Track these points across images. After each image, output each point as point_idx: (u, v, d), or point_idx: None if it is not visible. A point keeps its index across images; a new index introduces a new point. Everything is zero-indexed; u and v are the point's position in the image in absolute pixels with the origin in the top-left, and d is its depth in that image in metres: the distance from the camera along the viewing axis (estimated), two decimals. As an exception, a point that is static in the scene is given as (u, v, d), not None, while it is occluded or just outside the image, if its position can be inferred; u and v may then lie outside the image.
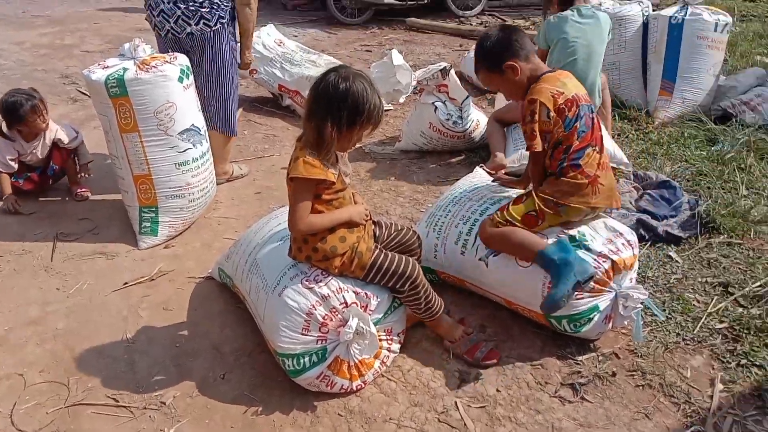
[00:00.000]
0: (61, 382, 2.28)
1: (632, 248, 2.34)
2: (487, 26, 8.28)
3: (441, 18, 8.69)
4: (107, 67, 2.98)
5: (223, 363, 2.38)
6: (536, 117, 2.25)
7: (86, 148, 3.77)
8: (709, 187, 3.42)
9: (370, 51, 7.21)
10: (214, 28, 3.36)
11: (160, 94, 2.95)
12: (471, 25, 8.49)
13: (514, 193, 2.58)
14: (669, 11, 4.52)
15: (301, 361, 2.14)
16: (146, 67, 2.93)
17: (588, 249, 2.26)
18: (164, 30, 3.37)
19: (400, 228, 2.38)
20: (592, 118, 2.35)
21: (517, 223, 2.33)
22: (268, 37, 5.08)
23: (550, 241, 2.28)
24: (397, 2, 8.43)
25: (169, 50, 3.34)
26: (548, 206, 2.31)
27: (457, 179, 3.64)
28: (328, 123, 1.96)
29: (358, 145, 4.16)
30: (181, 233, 3.27)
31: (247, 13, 3.45)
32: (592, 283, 2.22)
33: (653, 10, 4.78)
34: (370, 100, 1.97)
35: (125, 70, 2.91)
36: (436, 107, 3.80)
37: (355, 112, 1.97)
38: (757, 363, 2.24)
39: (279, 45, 5.08)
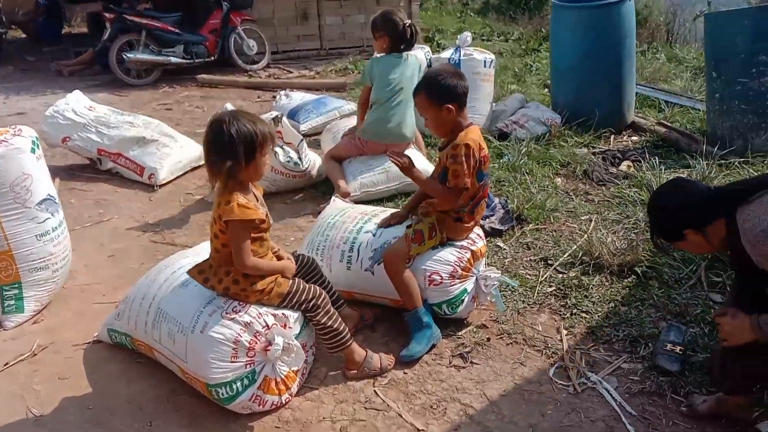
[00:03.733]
0: (-23, 471, 2.18)
1: (482, 239, 2.93)
2: (278, 77, 8.79)
3: (230, 72, 8.94)
4: (-51, 146, 2.85)
5: (144, 413, 2.44)
6: (471, 160, 2.60)
7: None
8: (510, 190, 4.21)
9: (171, 109, 7.25)
10: None
11: (15, 167, 2.90)
12: (261, 78, 8.89)
13: (380, 213, 3.02)
14: (447, 54, 5.42)
15: (234, 386, 2.33)
16: (-5, 141, 2.87)
17: (452, 244, 2.79)
18: None
19: (296, 256, 2.68)
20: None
21: (422, 252, 2.71)
22: (78, 103, 4.98)
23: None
24: (185, 61, 8.55)
25: None
26: (441, 242, 2.76)
27: (308, 213, 4.06)
28: (232, 163, 2.21)
29: (207, 199, 4.36)
30: (45, 306, 3.17)
31: None
32: (460, 270, 2.74)
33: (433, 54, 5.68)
34: (256, 130, 2.24)
35: (-27, 147, 2.82)
36: (276, 152, 4.14)
37: (251, 145, 2.23)
38: (584, 310, 2.94)
39: (90, 110, 5.00)
